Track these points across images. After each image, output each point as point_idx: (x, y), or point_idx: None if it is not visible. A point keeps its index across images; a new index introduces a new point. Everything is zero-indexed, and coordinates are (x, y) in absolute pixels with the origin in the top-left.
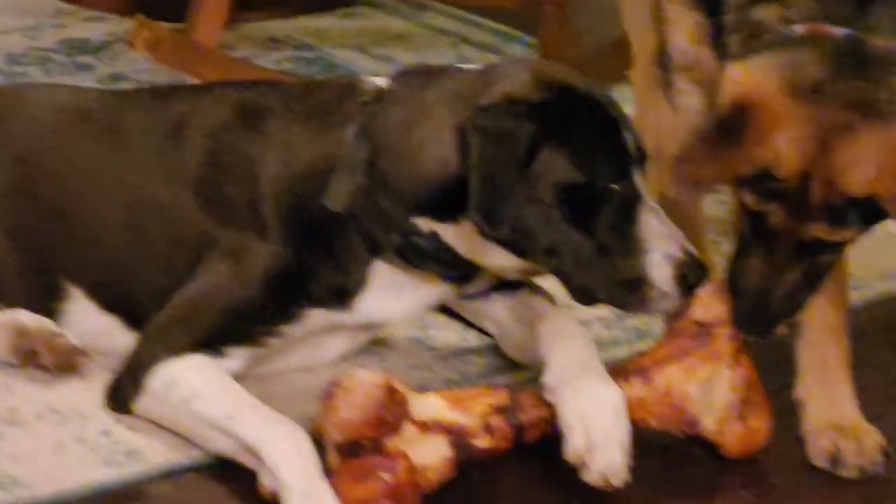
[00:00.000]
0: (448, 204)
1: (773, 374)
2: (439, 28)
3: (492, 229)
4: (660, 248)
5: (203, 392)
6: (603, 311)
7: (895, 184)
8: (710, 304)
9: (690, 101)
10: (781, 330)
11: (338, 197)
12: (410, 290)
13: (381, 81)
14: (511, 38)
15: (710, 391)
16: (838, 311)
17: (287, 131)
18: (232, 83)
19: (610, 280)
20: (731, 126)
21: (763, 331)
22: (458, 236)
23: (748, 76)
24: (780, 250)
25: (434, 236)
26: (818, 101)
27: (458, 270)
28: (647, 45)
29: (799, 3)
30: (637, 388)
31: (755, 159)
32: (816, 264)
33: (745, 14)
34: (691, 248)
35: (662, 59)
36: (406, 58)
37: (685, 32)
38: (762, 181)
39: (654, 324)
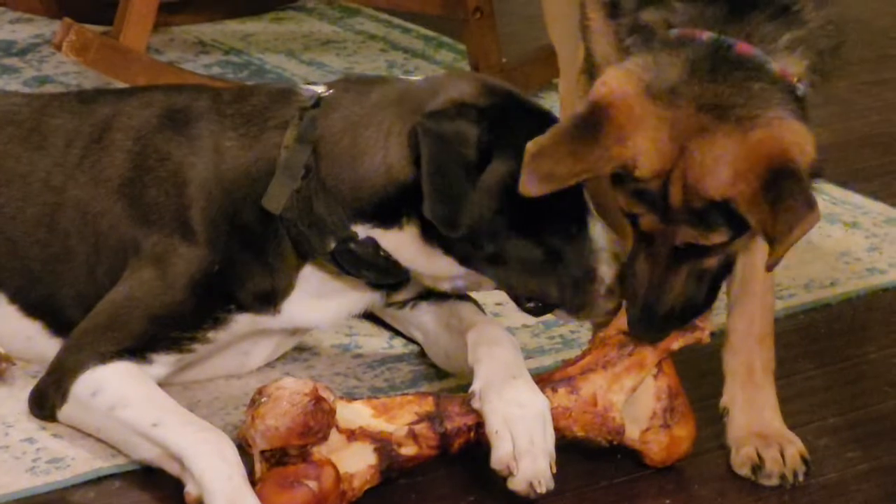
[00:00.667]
0: (392, 209)
1: (700, 384)
2: (368, 33)
3: (449, 230)
4: (606, 248)
5: (128, 399)
6: (529, 319)
7: (749, 188)
8: None
9: None
10: (703, 338)
11: (275, 198)
12: (338, 295)
13: (319, 89)
14: (440, 45)
15: (634, 400)
16: (765, 319)
17: (218, 136)
18: (159, 87)
19: (560, 282)
20: (589, 123)
21: (653, 335)
22: (399, 242)
23: (613, 78)
24: (660, 254)
25: (371, 242)
26: (674, 104)
27: (391, 278)
28: (573, 54)
29: (680, 7)
30: (562, 396)
31: (614, 158)
32: (703, 270)
33: (636, 17)
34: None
35: (590, 68)
36: (335, 63)
37: (607, 40)
38: (626, 181)
39: (580, 333)
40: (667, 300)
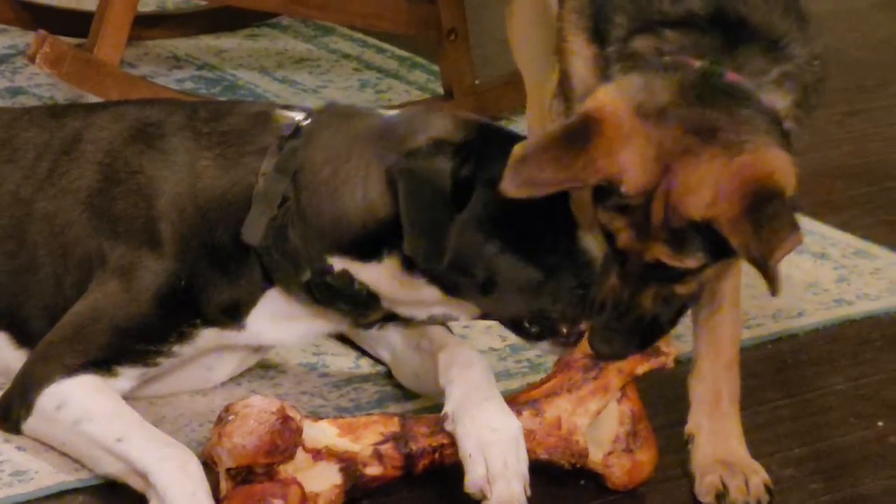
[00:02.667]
0: (371, 244)
1: (665, 410)
2: (342, 52)
3: (432, 263)
4: (601, 257)
5: (93, 413)
6: (496, 343)
7: (732, 209)
8: None
9: None
10: (667, 363)
11: (254, 230)
12: (305, 318)
13: (297, 116)
14: (414, 65)
15: (598, 424)
16: (732, 347)
17: (194, 153)
18: (130, 101)
19: (559, 296)
20: (578, 134)
21: (613, 352)
22: (378, 275)
23: (605, 94)
24: (631, 272)
25: (348, 276)
26: (662, 123)
27: (365, 309)
28: (540, 79)
29: (673, 37)
30: (527, 419)
31: (599, 170)
32: (671, 295)
33: (625, 45)
34: None
35: (565, 90)
36: (308, 81)
37: (586, 64)
38: (609, 196)
39: (546, 357)
40: (631, 318)
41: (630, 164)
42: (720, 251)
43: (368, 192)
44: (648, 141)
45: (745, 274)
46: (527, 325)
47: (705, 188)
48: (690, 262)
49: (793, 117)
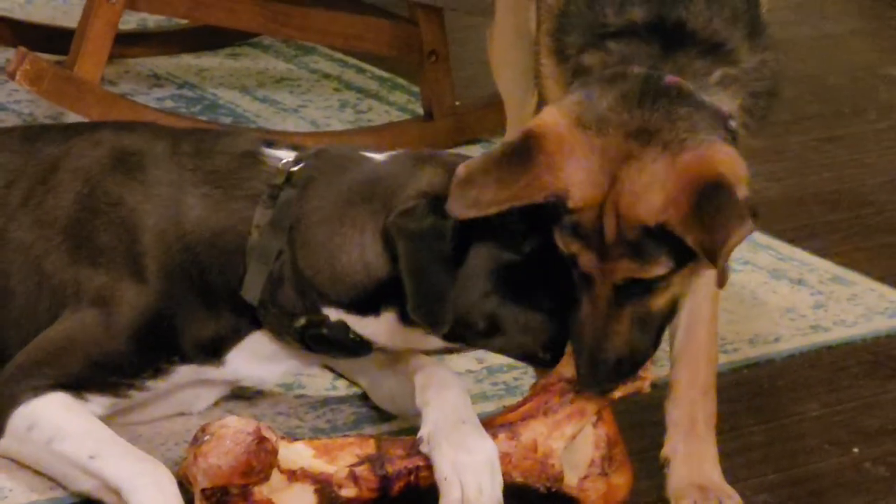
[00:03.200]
0: (369, 300)
1: (641, 434)
2: (323, 72)
3: (437, 327)
4: None
5: (65, 432)
6: (472, 365)
7: (681, 209)
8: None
9: None
10: (644, 388)
11: (253, 289)
12: (287, 357)
13: (284, 157)
14: (394, 86)
15: (574, 448)
16: (708, 372)
17: (179, 189)
18: (107, 125)
19: (562, 332)
20: (519, 152)
21: (602, 387)
22: (376, 327)
23: (546, 112)
24: (601, 296)
25: (343, 326)
26: (603, 132)
27: (358, 354)
28: (520, 102)
29: (615, 48)
30: (503, 442)
31: (544, 187)
32: (647, 314)
33: (578, 60)
34: None
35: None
36: (288, 100)
37: (556, 85)
38: (560, 216)
39: (523, 380)
40: (612, 348)
41: (574, 178)
42: (683, 253)
43: (365, 255)
44: (591, 152)
45: (723, 299)
46: (540, 354)
47: (653, 192)
48: (657, 270)
49: (741, 122)
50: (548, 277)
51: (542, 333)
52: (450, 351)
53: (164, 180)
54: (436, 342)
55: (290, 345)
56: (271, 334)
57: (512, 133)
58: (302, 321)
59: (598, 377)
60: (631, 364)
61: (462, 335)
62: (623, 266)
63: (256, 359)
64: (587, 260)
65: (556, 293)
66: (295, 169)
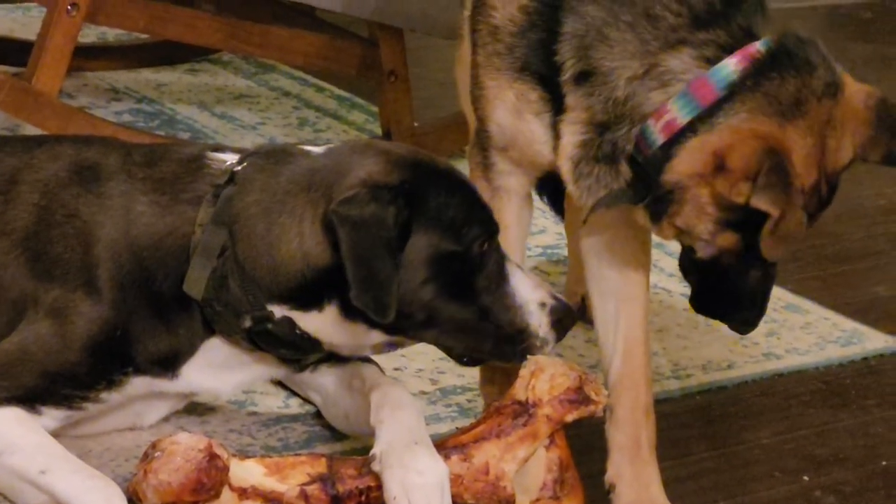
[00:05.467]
0: (311, 293)
1: (593, 458)
2: (283, 90)
3: (382, 316)
4: (533, 298)
5: (16, 445)
6: (426, 386)
7: (865, 138)
8: (530, 385)
9: (509, 181)
10: (597, 411)
11: (196, 283)
12: (243, 368)
13: (229, 159)
14: (353, 105)
15: (525, 470)
16: (648, 392)
17: (129, 199)
18: (67, 138)
19: (494, 337)
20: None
21: (754, 326)
22: (319, 323)
23: (749, 121)
24: (757, 258)
25: (289, 322)
26: (805, 112)
27: (307, 353)
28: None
29: (704, 39)
30: (455, 464)
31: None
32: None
33: (654, 63)
34: (558, 295)
35: (480, 139)
36: (247, 117)
37: (507, 108)
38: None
39: (476, 402)
40: (762, 293)
41: (801, 171)
42: None
43: (305, 244)
44: (804, 136)
45: (677, 325)
46: (461, 357)
47: (846, 139)
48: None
49: None
50: (480, 286)
51: (469, 334)
52: (392, 347)
53: (116, 191)
54: (378, 336)
55: (243, 351)
56: (224, 340)
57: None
58: (248, 322)
59: (759, 318)
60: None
61: (402, 326)
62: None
63: (211, 369)
64: (794, 222)
65: (486, 305)
66: (238, 168)
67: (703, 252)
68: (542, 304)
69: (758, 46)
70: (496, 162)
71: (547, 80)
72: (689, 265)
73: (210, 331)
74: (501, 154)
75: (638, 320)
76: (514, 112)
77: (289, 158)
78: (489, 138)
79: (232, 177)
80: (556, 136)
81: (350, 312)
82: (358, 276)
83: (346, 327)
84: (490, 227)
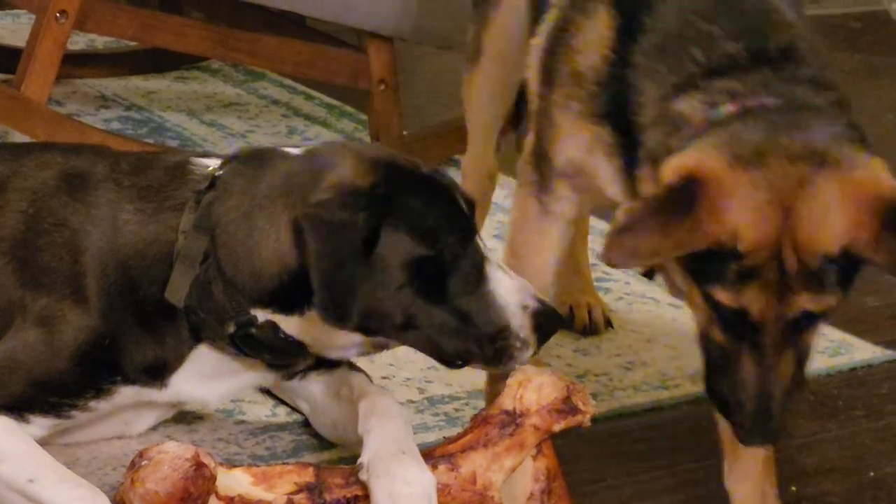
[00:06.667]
0: (290, 297)
1: (581, 468)
2: (271, 98)
3: (341, 322)
4: (514, 300)
5: (5, 454)
6: (414, 395)
7: (867, 231)
8: (518, 395)
9: (563, 206)
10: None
11: (177, 290)
12: (231, 375)
13: (212, 164)
14: (342, 114)
15: (513, 480)
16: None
17: (115, 208)
18: (57, 146)
19: (474, 339)
20: (678, 198)
21: (773, 438)
22: (301, 326)
23: (690, 158)
24: (769, 342)
25: (272, 326)
26: (765, 164)
27: (292, 358)
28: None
29: (718, 85)
30: (442, 473)
31: (708, 235)
32: (805, 347)
33: (665, 108)
34: (542, 297)
35: (538, 162)
36: (236, 125)
37: (579, 145)
38: (722, 270)
39: (464, 411)
40: (780, 394)
41: (742, 219)
42: (849, 276)
43: (281, 248)
44: (756, 188)
45: (665, 334)
46: (445, 359)
47: (834, 216)
48: (831, 299)
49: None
50: (462, 274)
51: (450, 336)
52: (378, 349)
53: (103, 200)
54: (360, 339)
55: (230, 358)
56: (211, 348)
57: (472, 177)
58: (232, 327)
59: (769, 427)
60: (790, 405)
61: (380, 329)
62: (801, 300)
63: (199, 378)
64: (761, 304)
65: (468, 306)
66: (219, 173)
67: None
68: (525, 307)
69: (764, 100)
70: (556, 188)
71: (621, 124)
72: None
73: (197, 339)
74: (564, 181)
75: None
76: (588, 151)
77: (268, 162)
78: (554, 167)
79: (213, 182)
80: (628, 177)
81: (341, 314)
82: (320, 281)
83: (327, 331)
84: (465, 230)
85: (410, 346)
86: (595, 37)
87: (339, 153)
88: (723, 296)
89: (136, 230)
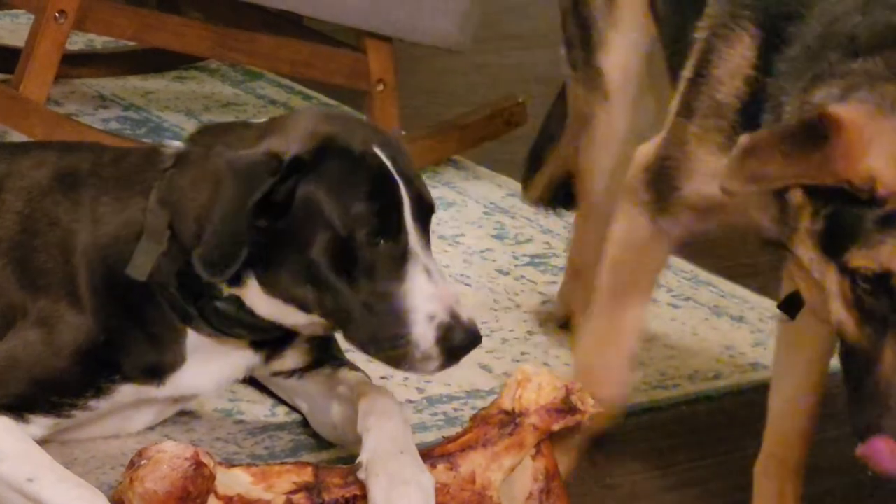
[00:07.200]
0: None
1: (579, 467)
2: (269, 98)
3: (208, 274)
4: (423, 308)
5: (3, 453)
6: (413, 395)
7: None
8: (517, 394)
9: (676, 230)
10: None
11: (140, 266)
12: (221, 360)
13: (182, 145)
14: None
15: (511, 480)
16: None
17: (96, 200)
18: (53, 145)
19: (375, 334)
20: (812, 133)
21: None
22: (250, 298)
23: (835, 108)
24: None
25: (235, 299)
26: None
27: (264, 333)
28: (600, 200)
29: (857, 68)
30: (441, 473)
31: (839, 173)
32: None
33: (804, 100)
34: (461, 312)
35: (656, 182)
36: None
37: (712, 176)
38: (862, 216)
39: (463, 411)
40: None
41: (880, 163)
42: None
43: None
44: None
45: (664, 334)
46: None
47: None
48: None
49: None
50: (376, 265)
51: (361, 326)
52: (327, 330)
53: (87, 195)
54: (301, 315)
55: (216, 342)
56: (197, 334)
57: (586, 222)
58: (202, 303)
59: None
60: None
61: (294, 298)
62: None
63: (193, 366)
64: None
65: (378, 285)
66: (183, 149)
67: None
68: (431, 317)
69: None
70: (676, 212)
71: None
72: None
73: (186, 323)
74: (688, 209)
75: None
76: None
77: (225, 133)
78: (680, 195)
79: (178, 158)
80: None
81: (269, 287)
82: (204, 233)
83: (271, 302)
84: (384, 225)
85: (336, 325)
86: (737, 62)
87: (289, 123)
88: (862, 258)
89: (112, 220)
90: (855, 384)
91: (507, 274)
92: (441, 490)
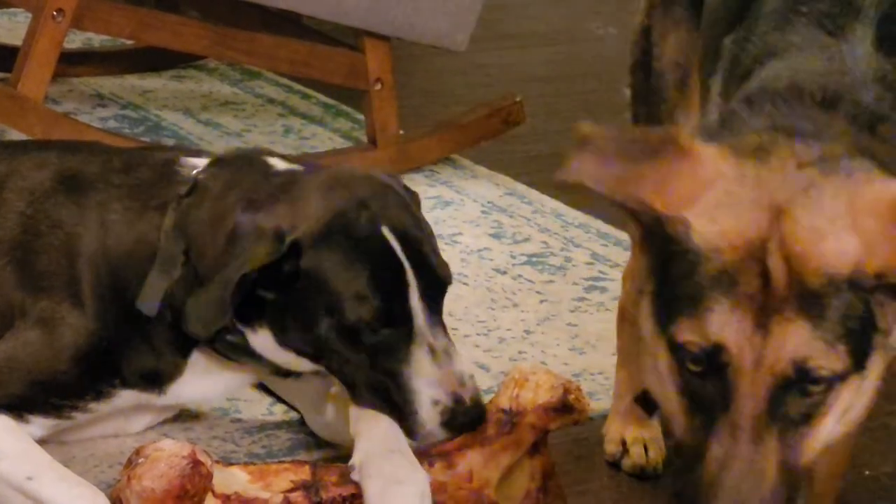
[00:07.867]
0: (245, 311)
1: (577, 466)
2: (268, 97)
3: (188, 328)
4: (426, 393)
5: (4, 452)
6: None
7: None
8: (514, 393)
9: None
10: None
11: (149, 298)
12: (226, 374)
13: (199, 164)
14: (338, 113)
15: (509, 479)
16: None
17: (106, 208)
18: (54, 145)
19: (380, 406)
20: (657, 144)
21: None
22: (258, 342)
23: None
24: (748, 410)
25: (243, 334)
26: (764, 161)
27: (269, 367)
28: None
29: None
30: (439, 471)
31: (649, 204)
32: (802, 439)
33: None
34: (463, 393)
35: None
36: (232, 124)
37: None
38: (690, 274)
39: None
40: (767, 483)
41: (700, 212)
42: (863, 347)
43: None
44: (741, 182)
45: None
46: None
47: (845, 229)
48: (836, 362)
49: None
50: (376, 348)
51: (371, 392)
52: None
53: (95, 200)
54: (308, 365)
55: (223, 359)
56: (205, 353)
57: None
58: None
59: None
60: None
61: (318, 359)
62: (796, 335)
63: (197, 381)
64: (737, 333)
65: (381, 362)
66: (201, 176)
67: None
68: (436, 402)
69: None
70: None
71: None
72: None
73: (191, 345)
74: None
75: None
76: None
77: (245, 171)
78: None
79: (194, 185)
80: None
81: (279, 339)
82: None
83: (281, 351)
84: (387, 312)
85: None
86: None
87: (303, 192)
88: (688, 329)
89: (124, 231)
90: (680, 482)
91: (505, 273)
92: (438, 489)
